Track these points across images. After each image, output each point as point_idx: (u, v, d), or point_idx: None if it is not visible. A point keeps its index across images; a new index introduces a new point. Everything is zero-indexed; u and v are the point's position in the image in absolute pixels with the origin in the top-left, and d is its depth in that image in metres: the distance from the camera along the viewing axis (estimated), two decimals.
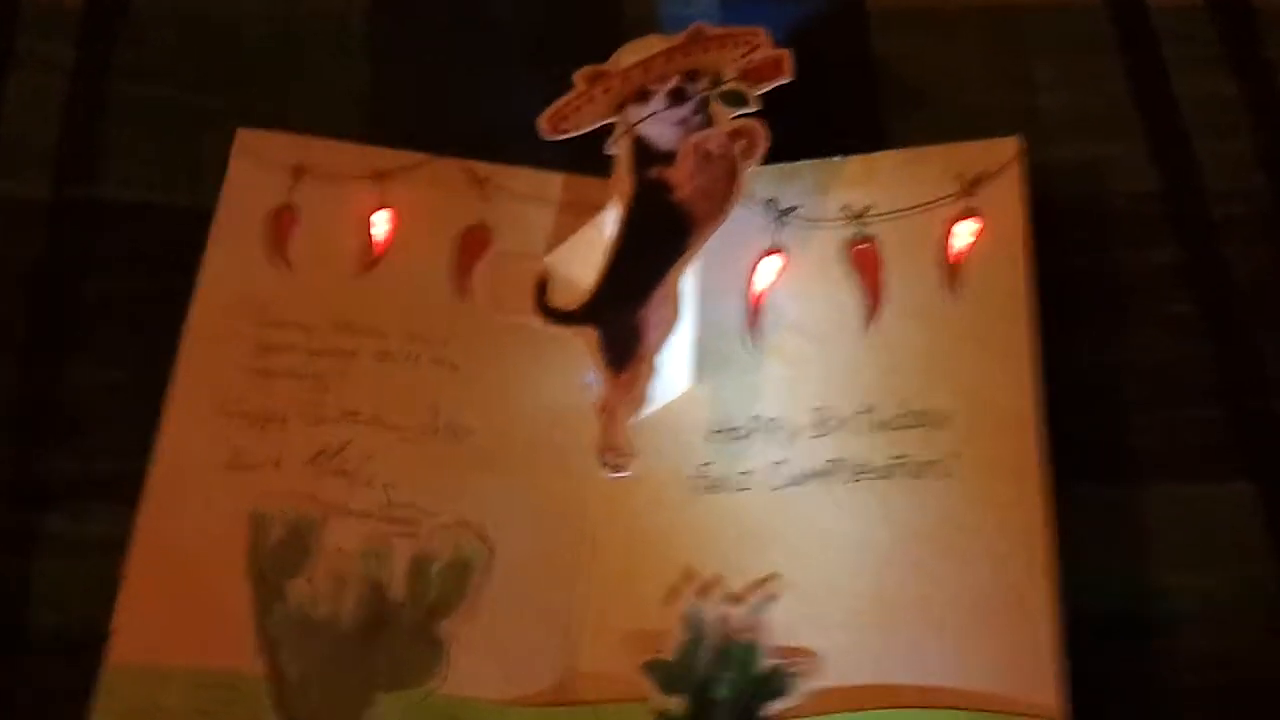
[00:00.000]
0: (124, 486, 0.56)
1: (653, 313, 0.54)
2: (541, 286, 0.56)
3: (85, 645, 0.53)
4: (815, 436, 0.56)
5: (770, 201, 0.62)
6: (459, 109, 0.68)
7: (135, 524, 0.55)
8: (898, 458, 0.55)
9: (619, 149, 0.58)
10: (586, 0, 0.71)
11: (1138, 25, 0.68)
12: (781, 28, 0.69)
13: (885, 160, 0.61)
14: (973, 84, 0.68)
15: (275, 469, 0.56)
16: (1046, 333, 0.56)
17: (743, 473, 0.56)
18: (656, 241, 0.56)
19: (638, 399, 0.53)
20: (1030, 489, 0.52)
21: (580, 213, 0.62)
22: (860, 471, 0.55)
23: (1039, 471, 0.53)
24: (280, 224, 0.62)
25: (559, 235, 0.62)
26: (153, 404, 0.58)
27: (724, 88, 0.59)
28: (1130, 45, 0.68)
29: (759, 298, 0.60)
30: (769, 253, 0.61)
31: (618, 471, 0.53)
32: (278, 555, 0.55)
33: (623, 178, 0.58)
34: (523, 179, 0.63)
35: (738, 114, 0.58)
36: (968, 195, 0.59)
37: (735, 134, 0.57)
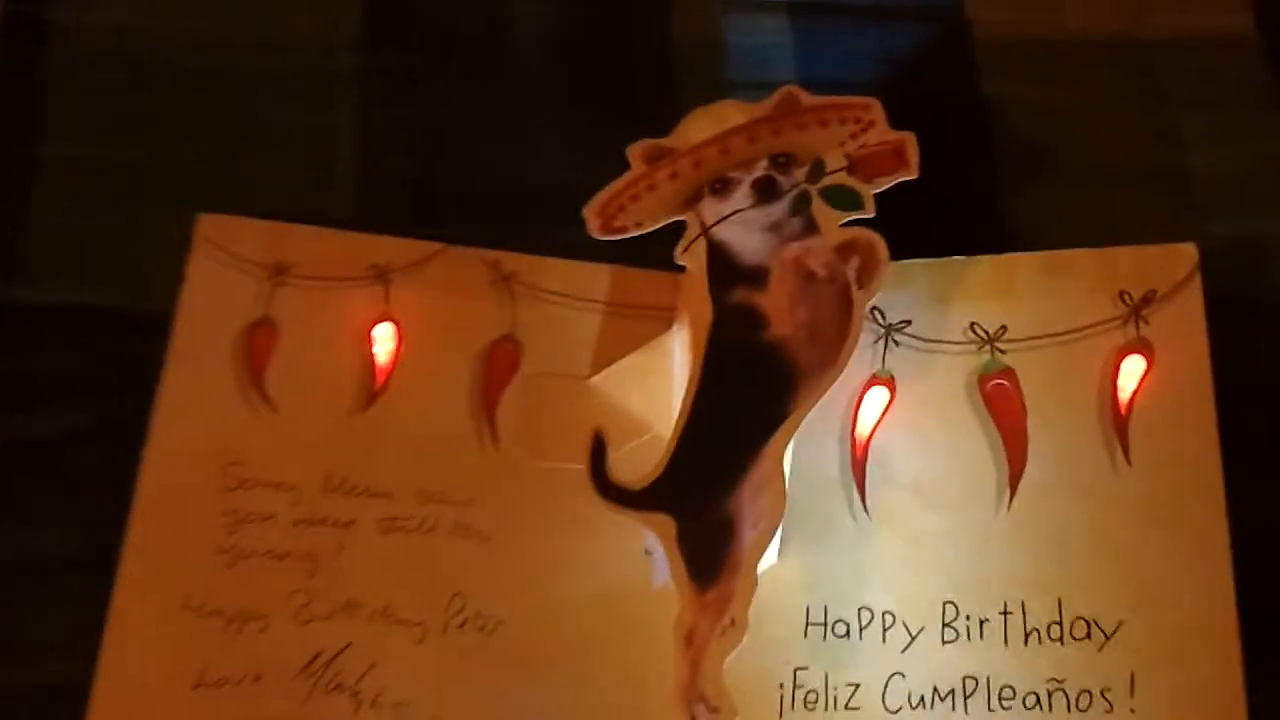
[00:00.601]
0: (61, 701, 0.45)
1: (748, 501, 0.42)
2: (599, 449, 0.43)
3: None
4: (944, 643, 0.44)
5: (874, 311, 0.49)
6: (474, 174, 0.54)
7: None
8: (1054, 680, 0.43)
9: (691, 259, 0.45)
10: (627, 32, 0.56)
11: None
12: (868, 57, 0.57)
13: (1023, 264, 0.49)
14: (1106, 137, 0.55)
15: (255, 686, 0.45)
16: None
17: (850, 685, 0.44)
18: (748, 397, 0.43)
19: (734, 627, 0.41)
20: None
21: (633, 317, 0.50)
22: (1005, 696, 0.44)
23: (1240, 708, 0.41)
24: (256, 345, 0.49)
25: (605, 348, 0.50)
26: (97, 584, 0.46)
27: (828, 181, 0.45)
28: None
29: (864, 443, 0.48)
30: (875, 381, 0.48)
31: None
32: None
33: (698, 300, 0.44)
34: (559, 273, 0.51)
35: (847, 219, 0.44)
36: (1135, 320, 0.47)
37: (846, 249, 0.44)
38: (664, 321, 0.48)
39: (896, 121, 0.46)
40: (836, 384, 0.47)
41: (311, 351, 0.49)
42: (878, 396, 0.49)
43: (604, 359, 0.50)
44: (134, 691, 0.45)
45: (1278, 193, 0.54)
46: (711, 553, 0.42)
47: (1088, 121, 0.57)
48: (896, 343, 0.49)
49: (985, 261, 0.50)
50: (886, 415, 0.49)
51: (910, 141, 0.46)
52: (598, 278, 0.51)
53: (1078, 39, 0.58)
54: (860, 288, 0.44)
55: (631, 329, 0.50)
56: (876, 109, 0.46)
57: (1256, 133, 0.55)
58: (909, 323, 0.49)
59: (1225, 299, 0.50)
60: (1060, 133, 0.56)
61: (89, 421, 0.49)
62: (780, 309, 0.44)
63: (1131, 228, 0.52)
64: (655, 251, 0.46)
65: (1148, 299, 0.48)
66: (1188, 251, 0.48)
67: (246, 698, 0.45)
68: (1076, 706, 0.43)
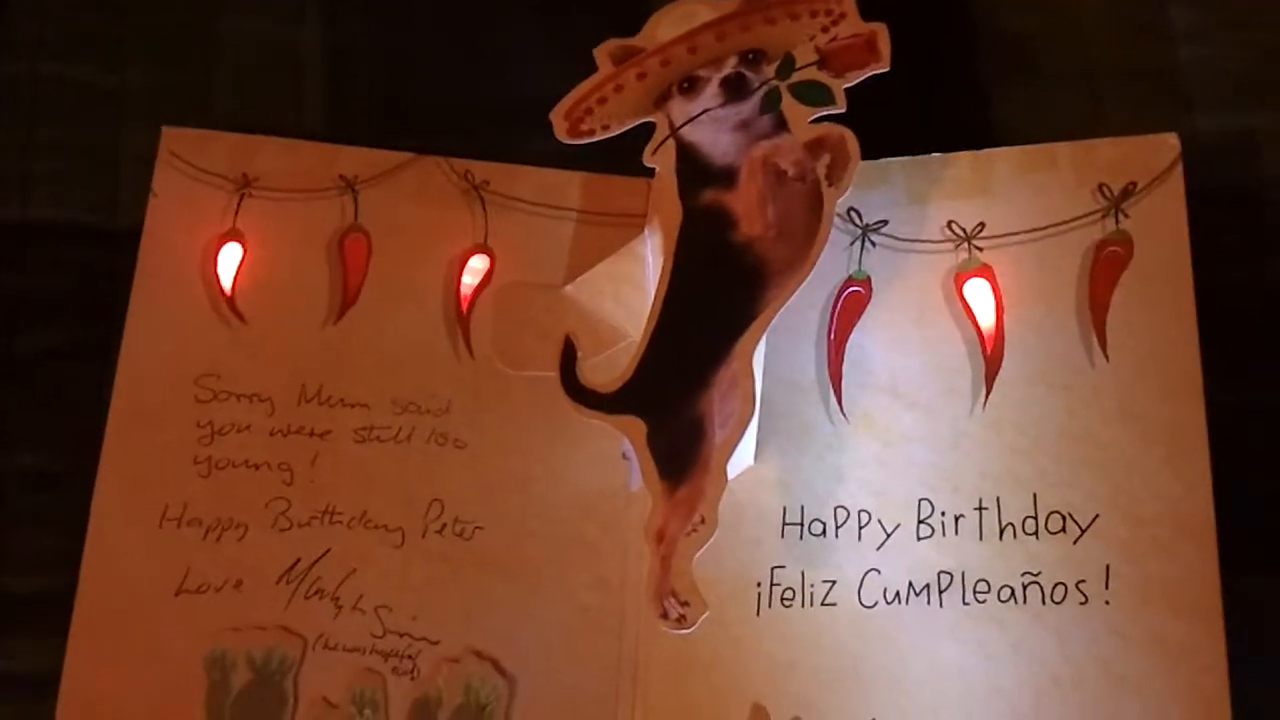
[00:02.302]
0: (46, 609, 0.46)
1: (718, 400, 0.42)
2: (569, 353, 0.43)
3: None
4: (919, 539, 0.44)
5: (850, 212, 0.48)
6: (442, 86, 0.53)
7: (63, 671, 0.44)
8: (1029, 574, 0.44)
9: (660, 161, 0.44)
10: None
11: None
12: None
13: (1001, 159, 0.49)
14: (1095, 33, 0.54)
15: (236, 591, 0.45)
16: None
17: (826, 582, 0.44)
18: (718, 298, 0.42)
19: (704, 524, 0.41)
20: (1205, 623, 0.42)
21: (607, 225, 0.50)
22: (979, 590, 0.44)
23: (1216, 599, 0.41)
24: (224, 257, 0.49)
25: (579, 256, 0.50)
26: (75, 499, 0.47)
27: (798, 77, 0.44)
28: None
29: (840, 345, 0.47)
30: (851, 283, 0.48)
31: (681, 627, 0.41)
32: (244, 707, 0.44)
33: (668, 204, 0.44)
34: (530, 182, 0.51)
35: (818, 115, 0.43)
36: (1115, 213, 0.46)
37: (815, 145, 0.43)
38: (637, 228, 0.48)
39: (881, 17, 0.45)
40: (812, 286, 0.46)
41: (280, 264, 0.49)
42: (854, 298, 0.48)
43: (577, 267, 0.49)
44: (117, 599, 0.45)
45: (1268, 85, 0.53)
46: (681, 452, 0.42)
47: (1076, 16, 0.55)
48: (873, 243, 0.49)
49: (963, 158, 0.49)
50: (863, 317, 0.48)
51: (882, 33, 0.45)
52: (570, 185, 0.50)
53: None
54: (830, 185, 0.43)
55: (605, 236, 0.49)
56: (848, 1, 0.45)
57: (1247, 24, 0.54)
58: (885, 222, 0.49)
59: (1213, 193, 0.50)
60: (1048, 28, 0.55)
61: (64, 339, 0.50)
62: (750, 208, 0.43)
63: (1117, 123, 0.51)
64: (628, 158, 0.46)
65: (1127, 191, 0.47)
66: (1169, 142, 0.47)
67: (228, 603, 0.45)
68: (1051, 599, 0.43)
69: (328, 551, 0.46)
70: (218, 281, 0.49)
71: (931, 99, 0.53)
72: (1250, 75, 0.53)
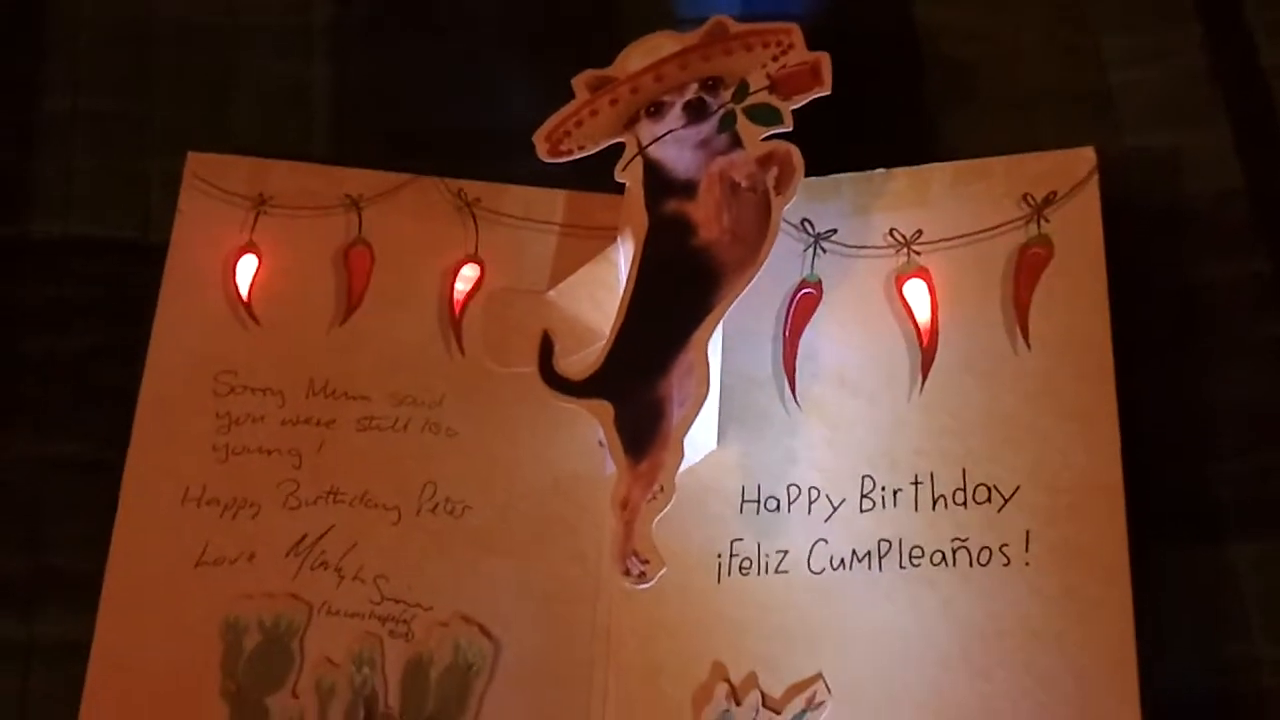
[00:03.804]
0: (81, 585, 0.50)
1: (676, 384, 0.47)
2: (546, 346, 0.48)
3: None
4: (862, 511, 0.49)
5: (803, 222, 0.53)
6: (437, 115, 0.59)
7: (94, 637, 0.49)
8: (958, 540, 0.48)
9: (629, 177, 0.50)
10: None
11: None
12: None
13: (938, 174, 0.53)
14: (1032, 61, 0.58)
15: (249, 564, 0.50)
16: (1117, 365, 0.49)
17: (779, 552, 0.49)
18: (678, 295, 0.48)
19: (662, 493, 0.46)
20: (1116, 582, 0.46)
21: (586, 237, 0.55)
22: (914, 555, 0.48)
23: (1124, 560, 0.46)
24: (241, 267, 0.54)
25: (562, 266, 0.54)
26: (107, 482, 0.51)
27: (751, 100, 0.50)
28: (1208, 9, 0.58)
29: (794, 341, 0.52)
30: (804, 286, 0.53)
31: (642, 582, 0.46)
32: (256, 666, 0.49)
33: (635, 213, 0.49)
34: (517, 199, 0.55)
35: (769, 134, 0.49)
36: (1037, 219, 0.51)
37: (765, 160, 0.49)
38: (613, 239, 0.52)
39: (834, 49, 0.49)
40: (771, 289, 0.52)
41: (292, 273, 0.54)
42: (807, 299, 0.53)
43: (559, 275, 0.54)
44: (142, 571, 0.50)
45: (1191, 107, 0.57)
46: (644, 430, 0.46)
47: (1012, 45, 0.59)
48: (824, 250, 0.54)
49: (903, 173, 0.53)
50: (814, 316, 0.53)
51: (825, 61, 0.50)
52: (553, 201, 0.55)
53: None
54: (778, 194, 0.48)
55: (584, 247, 0.54)
56: (795, 33, 0.51)
57: (1173, 51, 0.58)
58: (835, 231, 0.54)
59: (1138, 207, 0.54)
60: (986, 57, 0.59)
61: (99, 341, 0.54)
62: (708, 216, 0.49)
63: (1048, 143, 0.54)
64: (604, 177, 0.51)
65: (1049, 199, 0.52)
66: (1087, 155, 0.52)
67: (242, 574, 0.50)
68: (978, 561, 0.48)
69: (332, 528, 0.51)
70: (236, 288, 0.54)
71: (878, 121, 0.58)
72: (1173, 98, 0.57)
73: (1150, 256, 0.54)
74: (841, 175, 0.54)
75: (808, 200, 0.53)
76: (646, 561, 0.45)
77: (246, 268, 0.54)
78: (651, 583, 0.45)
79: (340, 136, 0.58)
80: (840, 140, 0.51)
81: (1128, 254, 0.52)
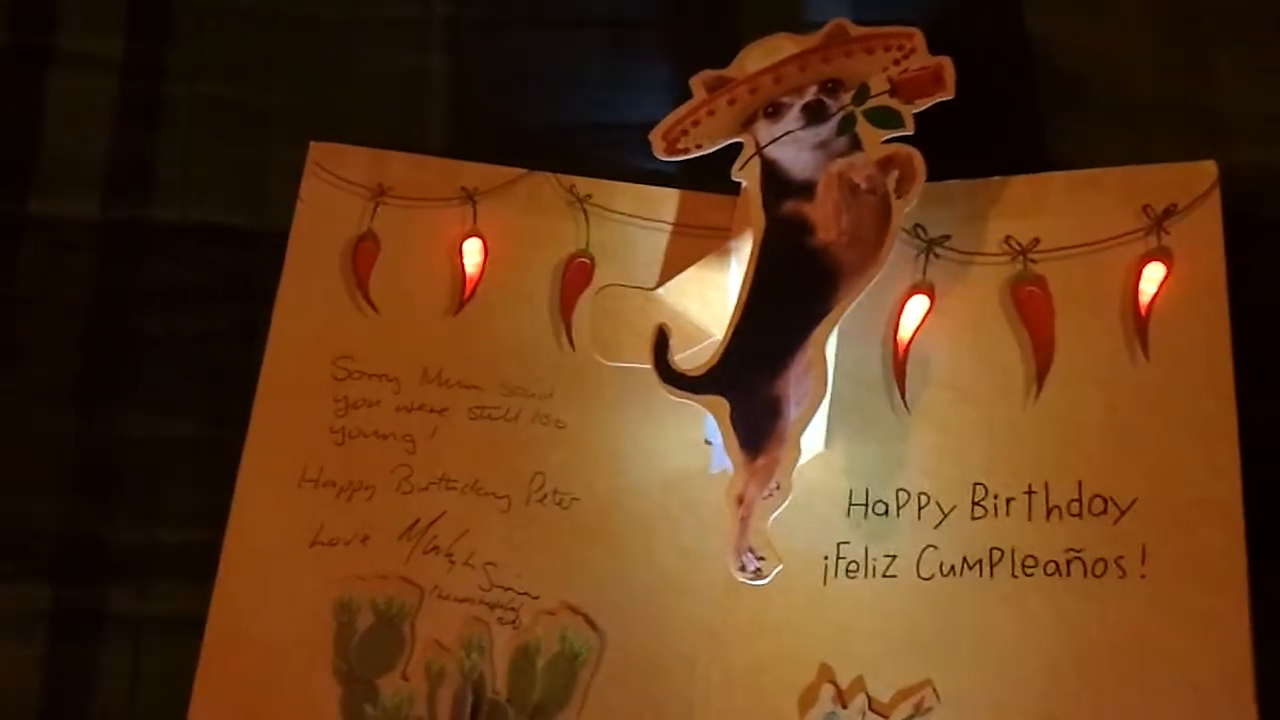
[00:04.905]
0: (193, 559, 0.51)
1: (793, 383, 0.47)
2: (661, 341, 0.49)
3: None
4: (973, 519, 0.49)
5: (916, 228, 0.53)
6: (552, 111, 0.59)
7: (209, 611, 0.50)
8: (1072, 550, 0.47)
9: (746, 176, 0.50)
10: None
11: None
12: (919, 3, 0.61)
13: (1055, 183, 0.53)
14: (1144, 74, 0.58)
15: (363, 545, 0.51)
16: (1237, 382, 0.49)
17: (887, 556, 0.49)
18: (795, 295, 0.48)
19: (779, 490, 0.46)
20: (1233, 598, 0.45)
21: (697, 237, 0.55)
22: (1027, 564, 0.48)
23: (1242, 576, 0.45)
24: (361, 256, 0.55)
25: (671, 264, 0.55)
26: (221, 460, 0.52)
27: (872, 103, 0.50)
28: None
29: (905, 346, 0.52)
30: (916, 290, 0.53)
31: (758, 579, 0.46)
32: (368, 648, 0.49)
33: (753, 212, 0.49)
34: (629, 196, 0.56)
35: (889, 137, 0.49)
36: (1157, 231, 0.51)
37: (886, 163, 0.49)
38: (723, 239, 0.53)
39: (955, 56, 0.49)
40: (881, 292, 0.52)
41: (409, 262, 0.55)
42: (919, 304, 0.53)
43: (669, 273, 0.54)
44: (259, 549, 0.51)
45: None
46: (760, 427, 0.47)
47: (1125, 57, 0.59)
48: (937, 255, 0.54)
49: (1020, 180, 0.53)
50: (926, 321, 0.53)
51: (947, 65, 0.50)
52: (664, 200, 0.55)
53: None
54: (899, 197, 0.48)
55: (694, 246, 0.54)
56: (918, 37, 0.51)
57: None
58: (949, 237, 0.54)
59: (1251, 224, 0.54)
60: (1099, 68, 0.58)
61: (220, 324, 0.56)
62: (826, 218, 0.49)
63: (1159, 156, 0.54)
64: (715, 179, 0.51)
65: (1169, 211, 0.51)
66: (1208, 168, 0.51)
67: (356, 555, 0.51)
68: (1092, 573, 0.47)
69: (444, 514, 0.52)
70: (355, 276, 0.55)
71: (988, 128, 0.57)
72: None
73: (1265, 272, 0.53)
74: (955, 181, 0.53)
75: (921, 205, 0.52)
76: (762, 558, 0.45)
77: (366, 256, 0.55)
78: (768, 580, 0.45)
79: (456, 129, 0.58)
80: (951, 146, 0.51)
81: (1242, 269, 0.51)
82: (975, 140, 0.56)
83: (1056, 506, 0.48)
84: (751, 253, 0.49)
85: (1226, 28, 0.58)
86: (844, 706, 0.47)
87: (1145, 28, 0.59)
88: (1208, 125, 0.56)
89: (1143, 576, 0.46)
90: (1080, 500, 0.48)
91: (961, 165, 0.54)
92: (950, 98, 0.49)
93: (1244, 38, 0.58)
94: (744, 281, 0.49)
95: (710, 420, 0.48)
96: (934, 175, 0.52)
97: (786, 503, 0.46)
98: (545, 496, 0.51)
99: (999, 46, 0.60)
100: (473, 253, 0.55)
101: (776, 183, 0.50)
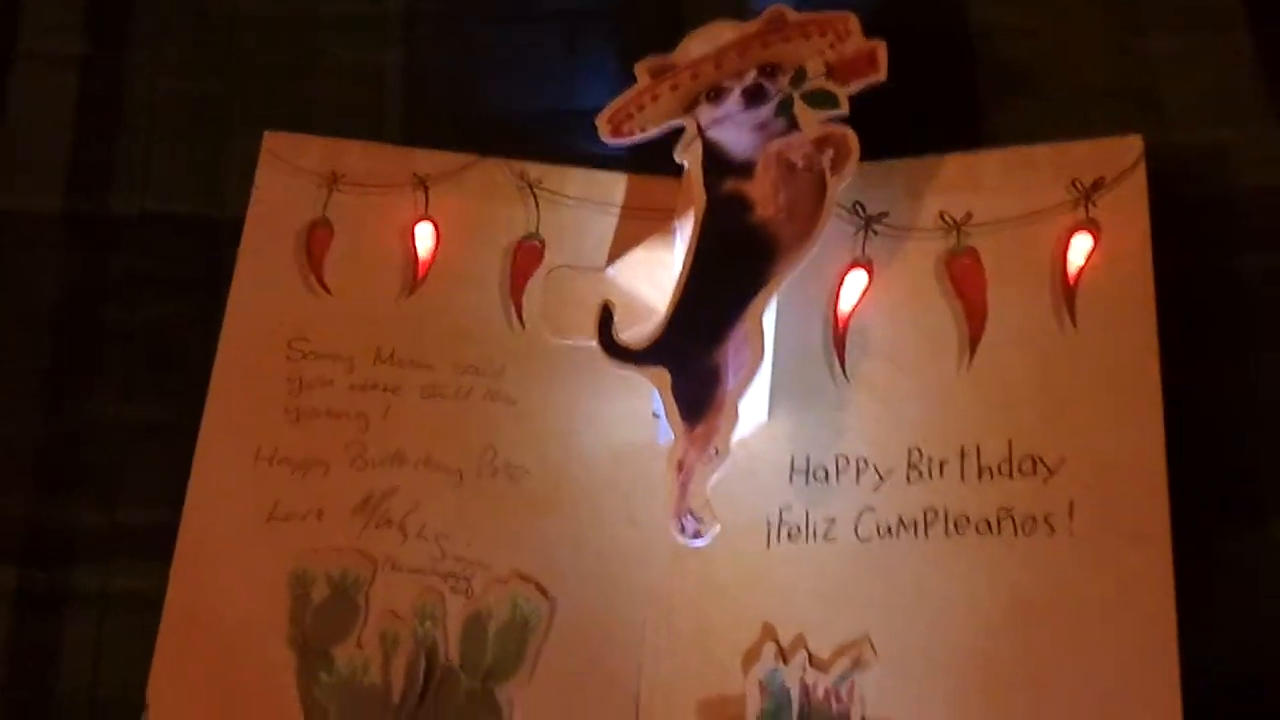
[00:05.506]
0: (154, 539, 0.52)
1: (732, 353, 0.48)
2: (606, 317, 0.50)
3: (117, 713, 0.50)
4: (909, 482, 0.50)
5: (855, 206, 0.55)
6: (502, 100, 0.61)
7: (168, 586, 0.51)
8: (1003, 509, 0.49)
9: (688, 157, 0.52)
10: None
11: None
12: None
13: (988, 160, 0.55)
14: (1082, 60, 0.60)
15: (318, 520, 0.52)
16: (1162, 349, 0.50)
17: (827, 519, 0.51)
18: (734, 269, 0.49)
19: (718, 455, 0.47)
20: (1156, 551, 0.47)
21: (645, 219, 0.56)
22: (960, 524, 0.49)
23: (1165, 531, 0.47)
24: (314, 241, 0.57)
25: (620, 246, 0.56)
26: (181, 444, 0.53)
27: (809, 86, 0.52)
28: (1259, 13, 0.59)
29: (844, 318, 0.54)
30: (854, 266, 0.54)
31: (697, 539, 0.47)
32: (323, 618, 0.51)
33: (694, 191, 0.51)
34: (578, 181, 0.57)
35: (825, 117, 0.51)
36: (1084, 204, 0.52)
37: (822, 141, 0.50)
38: (669, 220, 0.55)
39: (889, 43, 0.51)
40: (822, 268, 0.54)
41: (362, 247, 0.56)
42: (858, 278, 0.55)
43: (618, 254, 0.56)
44: (216, 526, 0.52)
45: (1238, 106, 0.58)
46: (700, 396, 0.48)
47: (1065, 44, 0.61)
48: (875, 232, 0.55)
49: (955, 159, 0.55)
50: (866, 295, 0.55)
51: (881, 48, 0.52)
52: (612, 184, 0.57)
53: None
54: (834, 174, 0.50)
55: (642, 228, 0.56)
56: (853, 21, 0.53)
57: (1221, 52, 0.59)
58: (886, 214, 0.55)
59: (1185, 202, 0.55)
60: (1037, 53, 0.60)
61: (177, 310, 0.57)
62: (764, 195, 0.51)
63: (1097, 137, 0.55)
64: (662, 162, 0.53)
65: (1097, 185, 0.53)
66: (1134, 143, 0.53)
67: (311, 530, 0.52)
68: (1023, 531, 0.49)
69: (396, 488, 0.53)
70: (309, 260, 0.56)
71: (929, 112, 0.59)
72: (1220, 96, 0.58)
73: (1195, 245, 0.55)
74: (893, 161, 0.55)
75: (860, 184, 0.54)
76: (701, 520, 0.47)
77: (319, 241, 0.56)
78: (706, 540, 0.47)
79: (413, 121, 0.60)
80: (892, 130, 0.53)
81: (1173, 243, 0.53)
82: (917, 124, 0.58)
83: (988, 468, 0.50)
84: (693, 230, 0.51)
85: (1163, 12, 0.60)
86: (785, 663, 0.49)
87: (1085, 14, 0.61)
88: (1144, 109, 0.58)
89: (1071, 533, 0.48)
90: (1010, 461, 0.50)
91: (903, 148, 0.56)
92: (883, 79, 0.51)
93: (1180, 22, 0.60)
94: (685, 257, 0.51)
95: (658, 394, 0.49)
96: (876, 157, 0.54)
97: (725, 466, 0.47)
98: (496, 470, 0.53)
99: (941, 33, 0.61)
100: (424, 237, 0.57)
101: (717, 163, 0.51)
